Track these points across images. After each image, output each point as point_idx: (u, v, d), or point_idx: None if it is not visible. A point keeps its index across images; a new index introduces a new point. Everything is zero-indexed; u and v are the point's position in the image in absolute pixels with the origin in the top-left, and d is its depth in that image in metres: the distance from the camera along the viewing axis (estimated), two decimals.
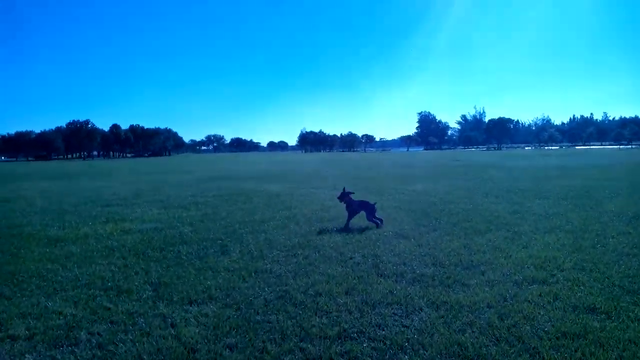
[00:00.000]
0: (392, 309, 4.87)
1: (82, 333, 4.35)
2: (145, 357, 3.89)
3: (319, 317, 4.68)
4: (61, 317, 4.74)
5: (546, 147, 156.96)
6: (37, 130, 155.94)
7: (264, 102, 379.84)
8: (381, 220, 9.62)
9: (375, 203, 9.83)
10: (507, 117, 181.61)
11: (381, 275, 6.07)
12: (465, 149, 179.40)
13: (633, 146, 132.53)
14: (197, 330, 4.39)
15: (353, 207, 9.80)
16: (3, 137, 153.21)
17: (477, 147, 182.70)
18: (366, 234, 8.76)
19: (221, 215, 11.33)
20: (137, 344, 4.12)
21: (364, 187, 18.33)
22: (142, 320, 4.67)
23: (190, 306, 5.08)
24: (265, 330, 4.37)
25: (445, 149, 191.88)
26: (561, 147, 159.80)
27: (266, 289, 5.60)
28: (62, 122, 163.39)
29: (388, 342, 4.07)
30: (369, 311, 4.80)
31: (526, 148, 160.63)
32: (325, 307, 4.94)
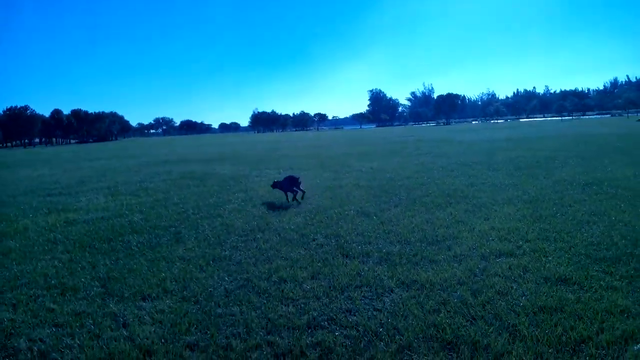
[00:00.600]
0: (361, 292, 4.64)
1: (21, 341, 3.85)
2: None
3: (285, 305, 4.39)
4: None
5: (492, 121, 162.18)
6: None
7: (215, 82, 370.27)
8: (303, 193, 10.17)
9: (299, 177, 10.44)
10: (454, 92, 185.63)
11: (347, 256, 5.84)
12: (415, 124, 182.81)
13: (574, 117, 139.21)
14: (153, 329, 3.99)
15: (283, 185, 10.18)
16: None
17: (427, 123, 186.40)
18: (327, 213, 8.51)
19: (173, 201, 10.76)
20: (85, 349, 3.68)
21: (320, 165, 18.10)
22: (90, 321, 4.21)
23: (144, 302, 4.65)
24: (228, 325, 4.03)
25: (397, 125, 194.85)
26: (506, 120, 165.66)
27: (226, 278, 5.24)
28: None
29: (361, 329, 3.83)
30: (338, 296, 4.55)
31: (473, 122, 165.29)
32: (291, 294, 4.65)
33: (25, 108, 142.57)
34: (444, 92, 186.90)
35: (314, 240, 6.75)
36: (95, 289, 5.09)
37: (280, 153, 28.52)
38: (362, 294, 4.58)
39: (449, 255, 5.71)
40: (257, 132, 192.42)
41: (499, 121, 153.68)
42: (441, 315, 4.04)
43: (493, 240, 6.30)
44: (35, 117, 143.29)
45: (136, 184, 14.71)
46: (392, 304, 4.31)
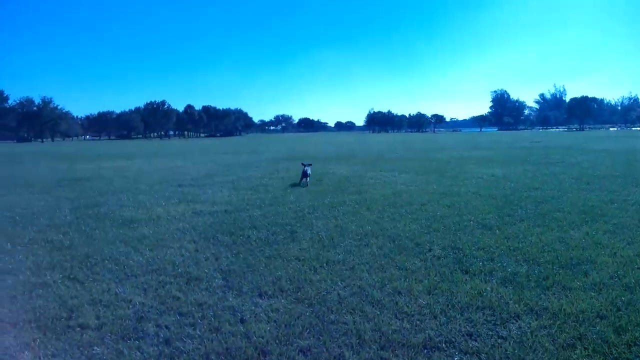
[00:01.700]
0: (483, 314, 4.30)
1: (150, 325, 4.16)
2: (213, 357, 3.61)
3: (399, 320, 4.21)
4: (130, 306, 4.60)
5: (635, 128, 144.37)
6: (118, 111, 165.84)
7: (332, 81, 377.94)
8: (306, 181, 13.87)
9: (309, 164, 14.57)
10: (589, 95, 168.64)
11: (466, 272, 5.47)
12: (544, 129, 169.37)
13: None
14: (268, 328, 4.07)
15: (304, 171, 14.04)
16: (88, 117, 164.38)
17: (557, 128, 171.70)
18: (444, 222, 8.12)
19: (290, 199, 11.07)
20: (205, 341, 3.86)
21: (436, 170, 17.47)
22: (211, 313, 4.42)
23: (261, 299, 4.78)
24: (341, 333, 3.96)
25: (522, 129, 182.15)
26: None
27: (339, 283, 5.20)
28: (141, 103, 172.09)
29: (484, 357, 3.53)
30: (457, 316, 4.26)
31: (611, 129, 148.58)
32: (406, 308, 4.45)
33: (163, 103, 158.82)
34: (578, 95, 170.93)
35: (430, 250, 6.46)
36: (217, 280, 5.36)
37: (395, 155, 28.15)
38: (484, 317, 4.23)
39: (585, 283, 5.08)
40: (372, 132, 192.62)
41: None
42: (577, 352, 3.58)
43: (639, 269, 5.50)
44: (171, 112, 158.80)
45: (256, 179, 15.44)
46: (519, 333, 3.92)
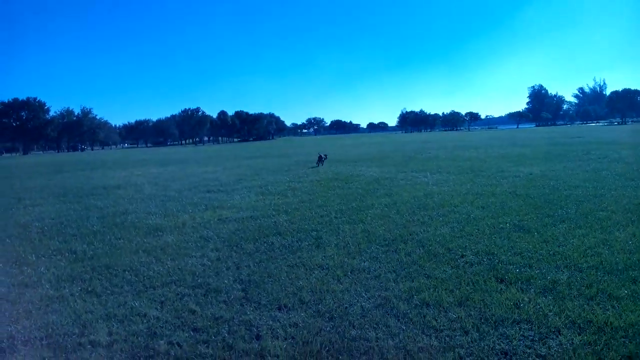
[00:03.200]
0: (519, 329, 3.90)
1: (161, 343, 3.96)
2: None
3: (427, 335, 3.87)
4: (144, 321, 4.43)
5: None
6: (154, 119, 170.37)
7: (364, 83, 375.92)
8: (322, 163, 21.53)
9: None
10: (633, 88, 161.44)
11: (501, 281, 5.07)
12: (583, 124, 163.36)
13: None
14: (284, 346, 3.80)
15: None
16: (125, 125, 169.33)
17: (598, 122, 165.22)
18: (478, 225, 7.68)
19: (317, 203, 10.81)
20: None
21: (470, 169, 16.87)
22: (226, 328, 4.20)
23: (279, 312, 4.52)
24: (362, 352, 3.65)
25: (561, 124, 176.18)
26: None
27: (363, 294, 4.89)
28: (176, 111, 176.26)
29: None
30: (490, 331, 3.88)
31: None
32: (434, 322, 4.10)
33: (197, 110, 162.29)
34: (619, 87, 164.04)
35: (462, 256, 6.06)
36: (235, 292, 5.14)
37: (428, 155, 27.49)
38: (521, 332, 3.84)
39: (634, 291, 4.61)
40: (405, 132, 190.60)
41: None
42: None
43: None
44: (205, 118, 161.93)
45: (285, 183, 15.25)
46: (561, 350, 3.52)
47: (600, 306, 4.29)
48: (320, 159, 21.89)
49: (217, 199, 12.23)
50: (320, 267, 5.89)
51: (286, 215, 9.48)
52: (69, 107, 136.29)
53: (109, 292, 5.34)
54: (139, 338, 4.06)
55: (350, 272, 5.62)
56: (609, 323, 3.93)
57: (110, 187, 16.87)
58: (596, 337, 3.71)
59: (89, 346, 3.95)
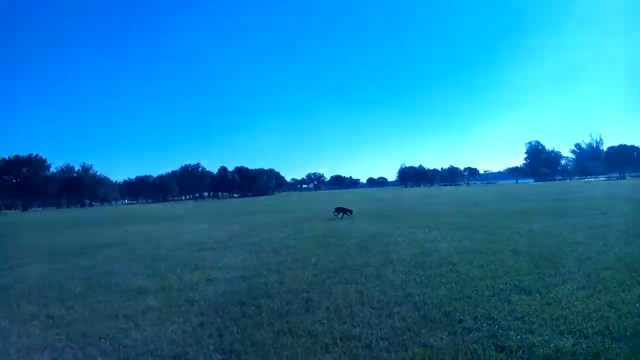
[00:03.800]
0: None
1: None
2: None
3: None
4: None
5: None
6: (155, 175, 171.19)
7: (363, 138, 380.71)
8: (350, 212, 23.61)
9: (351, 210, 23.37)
10: (629, 144, 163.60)
11: (502, 350, 4.69)
12: (582, 179, 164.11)
13: None
14: None
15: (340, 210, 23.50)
16: (126, 181, 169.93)
17: (596, 177, 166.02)
18: (477, 286, 7.32)
19: (311, 262, 10.44)
20: None
21: (469, 225, 16.53)
22: None
23: None
24: None
25: (559, 179, 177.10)
26: None
27: None
28: (176, 166, 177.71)
29: None
30: None
31: None
32: None
33: (197, 166, 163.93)
34: (615, 143, 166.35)
35: (460, 321, 5.68)
36: None
37: (426, 209, 27.23)
38: None
39: None
40: (404, 187, 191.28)
41: None
42: None
43: None
44: (205, 174, 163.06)
45: (280, 240, 14.90)
46: None
47: None
48: (344, 211, 23.74)
49: (209, 258, 11.86)
50: (308, 334, 5.51)
51: (277, 275, 9.11)
52: (69, 164, 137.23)
53: None
54: None
55: (340, 340, 5.24)
56: None
57: (101, 245, 16.50)
58: None
59: None
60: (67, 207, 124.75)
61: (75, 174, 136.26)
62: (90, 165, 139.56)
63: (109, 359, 5.06)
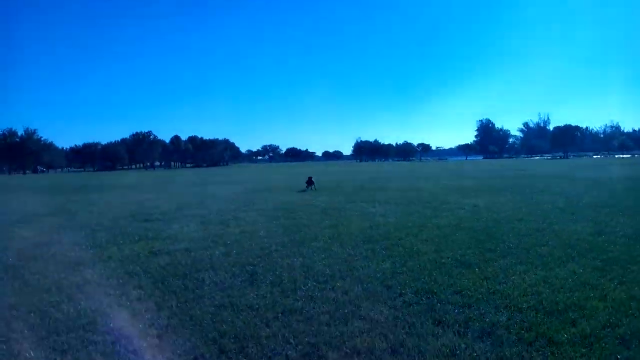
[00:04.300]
0: None
1: None
2: None
3: None
4: None
5: (617, 156, 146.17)
6: (104, 142, 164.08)
7: (320, 111, 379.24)
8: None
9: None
10: (573, 124, 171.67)
11: (439, 324, 4.77)
12: (528, 157, 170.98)
13: None
14: None
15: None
16: (72, 148, 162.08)
17: (542, 156, 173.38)
18: (420, 260, 7.46)
19: (259, 234, 10.34)
20: None
21: (417, 200, 16.88)
22: None
23: None
24: None
25: (507, 157, 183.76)
26: (633, 155, 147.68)
27: (291, 340, 4.45)
28: (126, 134, 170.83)
29: None
30: None
31: (594, 156, 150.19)
32: None
33: (149, 133, 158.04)
34: (561, 123, 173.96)
35: (401, 295, 5.76)
36: (149, 339, 4.59)
37: (378, 184, 27.59)
38: None
39: (574, 334, 4.41)
40: (359, 161, 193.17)
41: (624, 156, 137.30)
42: None
43: (635, 316, 4.85)
44: (157, 142, 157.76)
45: (230, 212, 14.67)
46: None
47: (540, 353, 4.06)
48: (311, 183, 23.36)
49: (154, 229, 11.52)
50: (250, 308, 5.43)
51: (224, 248, 8.95)
52: (11, 128, 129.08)
53: (3, 338, 4.65)
54: None
55: (281, 314, 5.19)
56: None
57: (41, 214, 15.72)
58: None
59: None
60: (9, 174, 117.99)
61: (17, 139, 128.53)
62: (34, 130, 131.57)
63: (38, 333, 4.79)
